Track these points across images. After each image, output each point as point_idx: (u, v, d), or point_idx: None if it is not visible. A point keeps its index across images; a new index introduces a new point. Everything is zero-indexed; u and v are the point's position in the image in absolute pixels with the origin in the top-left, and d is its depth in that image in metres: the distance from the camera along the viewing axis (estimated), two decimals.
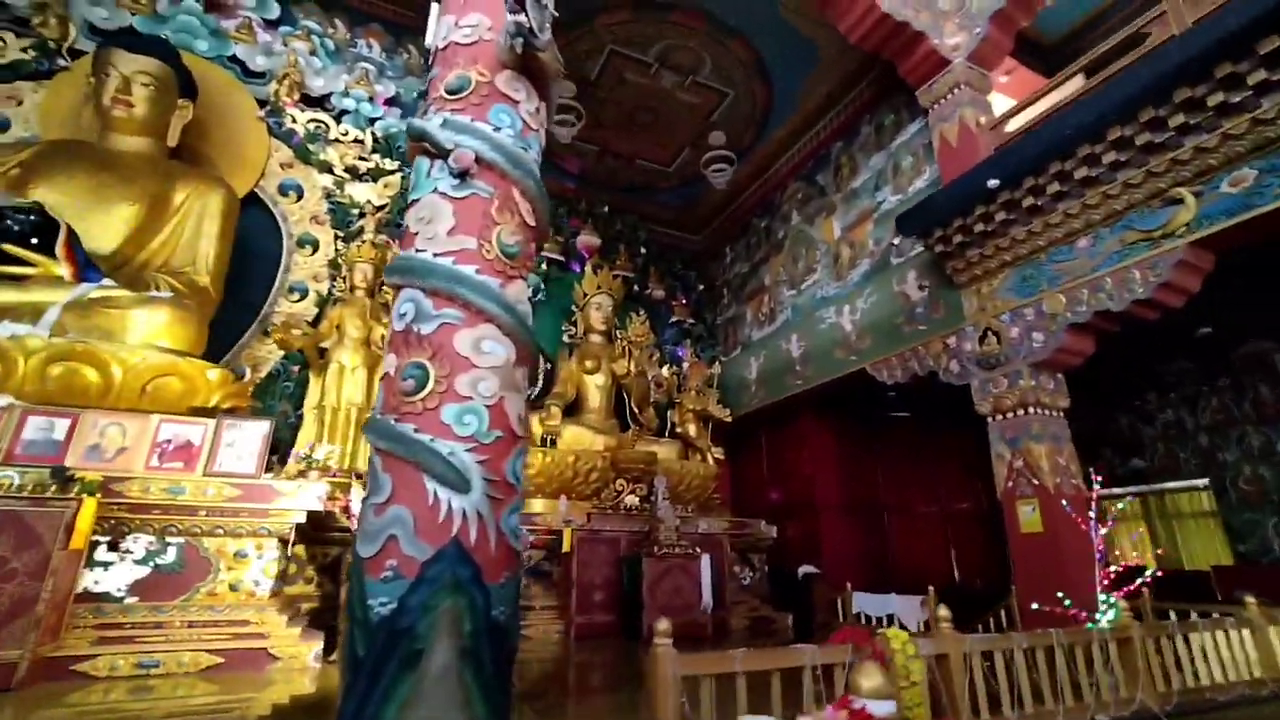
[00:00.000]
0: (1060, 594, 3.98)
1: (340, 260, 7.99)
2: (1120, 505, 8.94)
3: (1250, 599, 3.78)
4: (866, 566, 8.27)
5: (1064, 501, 4.73)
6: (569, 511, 6.58)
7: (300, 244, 8.14)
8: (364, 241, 8.00)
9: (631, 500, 6.83)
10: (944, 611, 2.69)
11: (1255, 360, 7.40)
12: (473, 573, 2.72)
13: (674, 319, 10.30)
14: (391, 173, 8.86)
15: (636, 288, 10.10)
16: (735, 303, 10.10)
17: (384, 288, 8.01)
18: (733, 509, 9.49)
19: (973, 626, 6.17)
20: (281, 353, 7.42)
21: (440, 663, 2.54)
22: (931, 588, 6.05)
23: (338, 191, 8.46)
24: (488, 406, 2.99)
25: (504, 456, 3.02)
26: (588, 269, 9.31)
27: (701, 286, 10.85)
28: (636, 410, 8.66)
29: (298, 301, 7.87)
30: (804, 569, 7.59)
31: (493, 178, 3.44)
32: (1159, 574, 8.18)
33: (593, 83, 7.85)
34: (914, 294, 6.40)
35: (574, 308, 9.24)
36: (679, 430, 8.73)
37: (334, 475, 6.31)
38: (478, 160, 3.42)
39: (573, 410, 8.51)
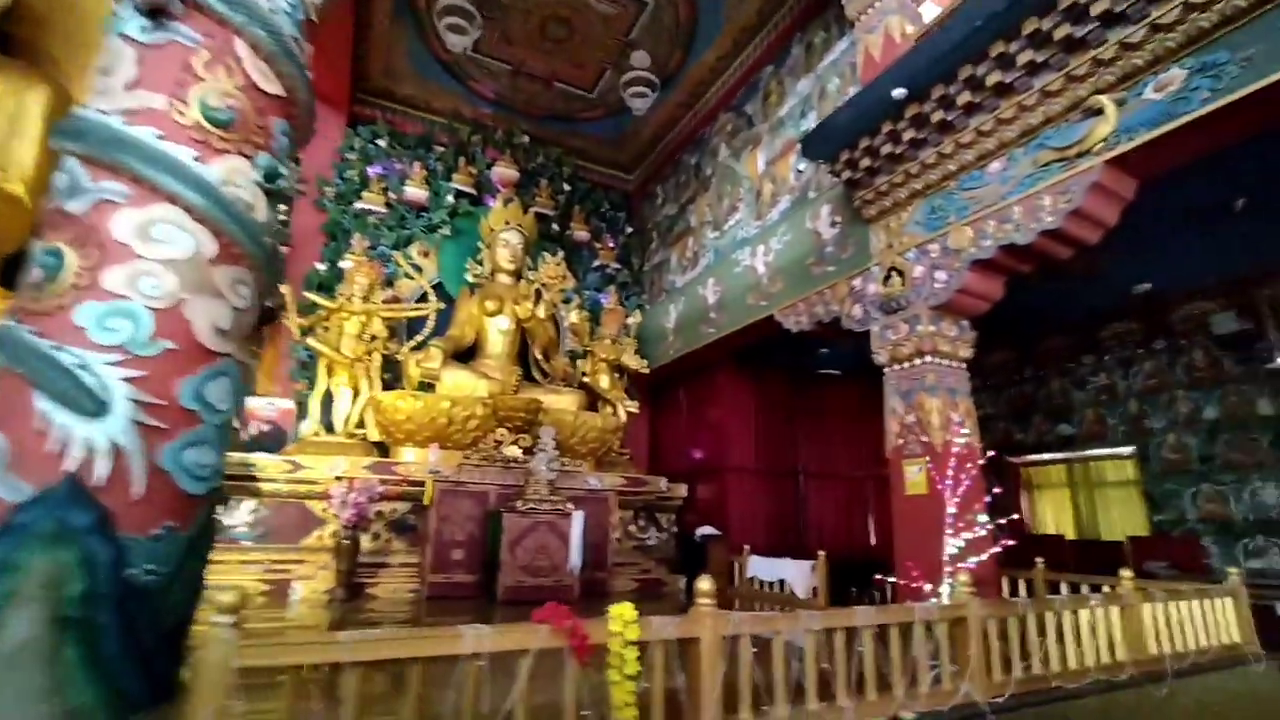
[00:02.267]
0: (910, 564, 3.46)
1: None
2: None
3: (1125, 572, 3.29)
4: (777, 531, 7.83)
5: (952, 461, 4.19)
6: (439, 462, 5.94)
7: None
8: None
9: (513, 452, 6.21)
10: (705, 584, 2.11)
11: (1194, 322, 6.92)
12: (94, 520, 2.05)
13: (598, 263, 9.54)
14: None
15: (557, 227, 9.30)
16: (662, 247, 9.36)
17: None
18: (652, 467, 8.97)
19: (853, 599, 5.75)
20: None
21: (14, 639, 1.89)
22: (822, 553, 5.57)
23: None
24: (152, 309, 2.27)
25: (176, 375, 2.31)
26: (497, 202, 8.47)
27: (631, 230, 10.07)
28: (540, 357, 7.98)
29: None
30: (701, 530, 7.10)
31: (205, 23, 2.64)
32: (1072, 543, 7.92)
33: None
34: (826, 232, 5.74)
35: (480, 245, 8.44)
36: (587, 380, 8.09)
37: None
38: None
39: (472, 355, 7.82)
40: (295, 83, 2.90)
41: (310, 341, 6.64)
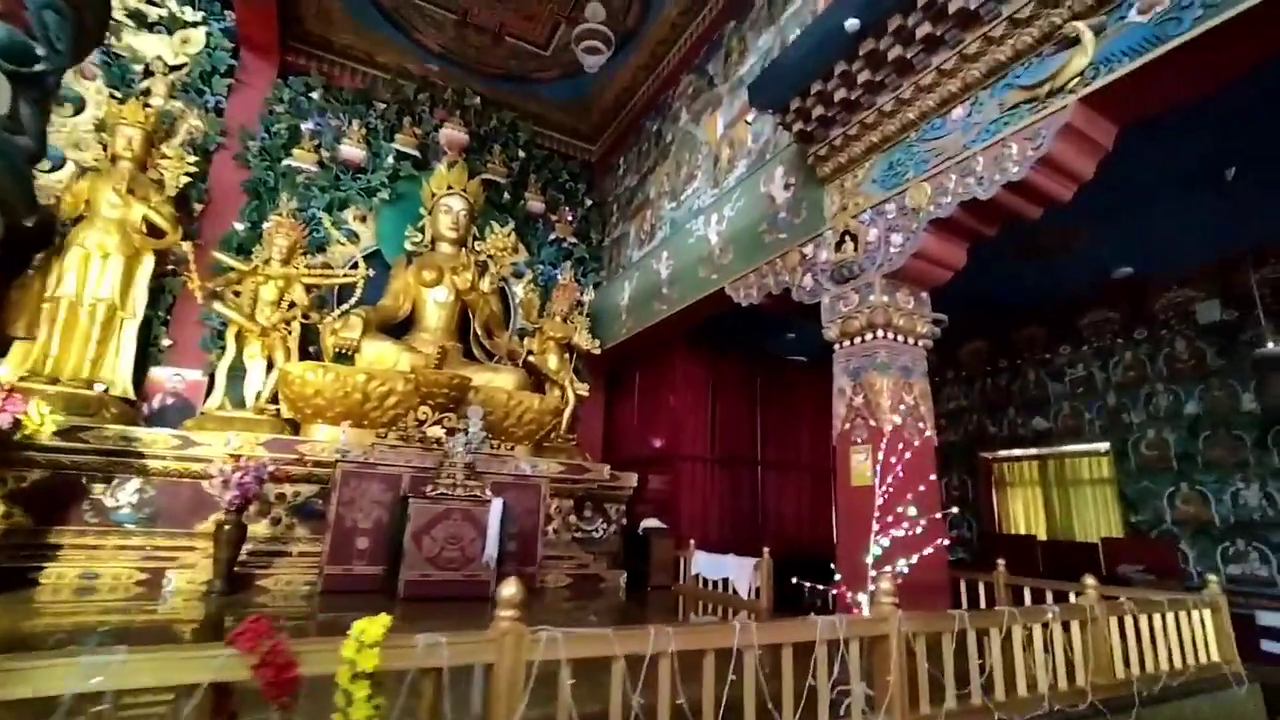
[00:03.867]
0: (832, 566, 2.95)
1: (105, 123, 6.37)
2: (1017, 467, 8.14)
3: (1089, 580, 2.79)
4: (732, 524, 7.33)
5: (900, 448, 3.68)
6: (351, 441, 5.37)
7: (59, 101, 6.45)
8: (135, 101, 6.39)
9: (436, 432, 5.64)
10: (508, 591, 1.58)
11: (1177, 310, 6.46)
12: None
13: (554, 237, 8.94)
14: (191, 25, 7.17)
15: (509, 196, 8.68)
16: (622, 221, 8.78)
17: (159, 162, 6.48)
18: (605, 454, 8.44)
19: (804, 602, 5.26)
20: None
21: None
22: (767, 550, 5.07)
23: (115, 41, 6.75)
24: None
25: None
26: (440, 166, 7.85)
27: (591, 203, 9.47)
28: (480, 331, 7.39)
29: (50, 171, 6.26)
30: (645, 523, 6.59)
31: None
32: (1043, 542, 7.49)
33: None
34: (779, 195, 5.19)
35: (422, 211, 7.82)
36: (533, 359, 7.52)
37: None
38: None
39: (406, 328, 7.22)
40: None
41: (217, 306, 6.02)
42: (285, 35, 7.67)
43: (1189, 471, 6.19)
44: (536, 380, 7.57)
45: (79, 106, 6.51)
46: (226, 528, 4.53)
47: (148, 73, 6.89)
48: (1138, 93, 2.96)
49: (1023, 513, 8.02)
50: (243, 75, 7.54)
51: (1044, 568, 6.73)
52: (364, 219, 7.72)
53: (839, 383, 4.19)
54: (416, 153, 8.09)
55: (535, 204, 8.91)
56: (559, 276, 8.60)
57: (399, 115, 8.16)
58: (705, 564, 5.72)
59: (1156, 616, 3.07)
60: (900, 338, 4.03)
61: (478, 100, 8.67)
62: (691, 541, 5.92)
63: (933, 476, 3.78)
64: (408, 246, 7.68)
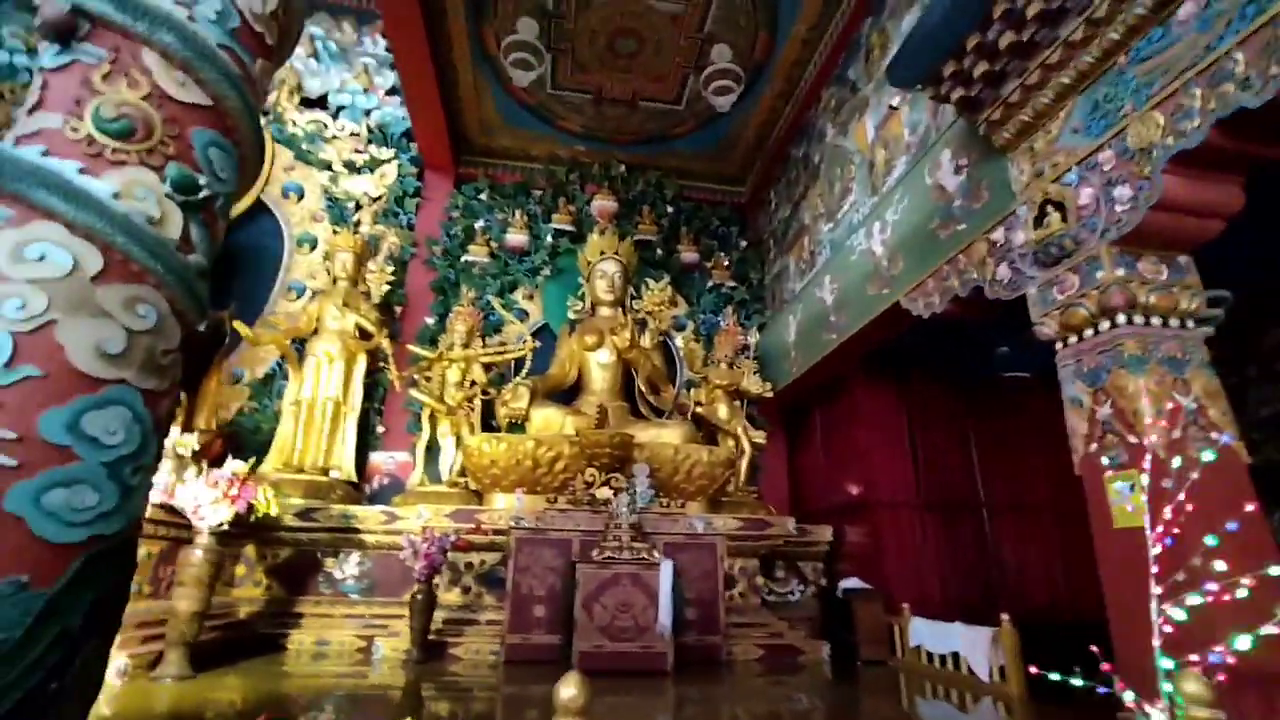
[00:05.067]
0: (1097, 650, 2.02)
1: (328, 252, 7.69)
2: None
3: None
4: (956, 583, 6.07)
5: (1192, 474, 2.62)
6: (523, 509, 5.46)
7: (299, 243, 7.99)
8: (347, 230, 7.64)
9: (605, 494, 5.52)
10: (567, 694, 1.15)
11: None
12: None
13: (712, 284, 8.73)
14: (386, 162, 8.50)
15: (661, 252, 8.72)
16: (780, 255, 8.29)
17: (367, 277, 7.59)
18: (793, 506, 7.70)
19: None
20: (279, 354, 7.19)
21: None
22: (1006, 617, 4.01)
23: (334, 187, 8.24)
24: (14, 332, 2.02)
25: (39, 404, 2.02)
26: (592, 235, 8.16)
27: (745, 243, 9.15)
28: (644, 388, 7.29)
29: (295, 300, 7.69)
30: (845, 584, 5.69)
31: (111, 37, 2.48)
32: None
33: (552, 12, 6.75)
34: (950, 182, 4.38)
35: (580, 280, 8.15)
36: (699, 410, 7.19)
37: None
38: (81, 13, 2.48)
39: (575, 395, 7.40)
40: (222, 90, 2.65)
41: (413, 392, 6.71)
42: (457, 151, 8.75)
43: None
44: (708, 433, 7.22)
45: (314, 245, 7.97)
46: (419, 596, 4.76)
47: (357, 207, 8.26)
48: None
49: None
50: (427, 192, 8.70)
51: None
52: (531, 297, 8.24)
53: (1069, 391, 3.21)
54: (572, 228, 8.56)
55: (689, 255, 8.83)
56: (721, 323, 8.31)
57: (554, 198, 8.76)
58: (927, 634, 4.73)
59: None
60: (1155, 321, 2.98)
61: (623, 168, 8.99)
62: (905, 606, 4.96)
63: (1250, 506, 2.62)
64: (571, 315, 8.00)
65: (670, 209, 9.04)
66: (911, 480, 6.34)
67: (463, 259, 8.22)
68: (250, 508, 4.98)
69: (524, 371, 6.97)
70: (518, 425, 6.47)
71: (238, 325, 6.35)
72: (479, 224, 8.48)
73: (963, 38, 3.46)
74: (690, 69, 7.50)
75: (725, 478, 6.30)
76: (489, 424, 6.87)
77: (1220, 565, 1.72)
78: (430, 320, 7.76)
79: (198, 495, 4.14)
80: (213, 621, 4.53)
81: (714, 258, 8.90)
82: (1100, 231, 3.07)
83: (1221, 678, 1.58)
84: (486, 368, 7.16)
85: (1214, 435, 2.80)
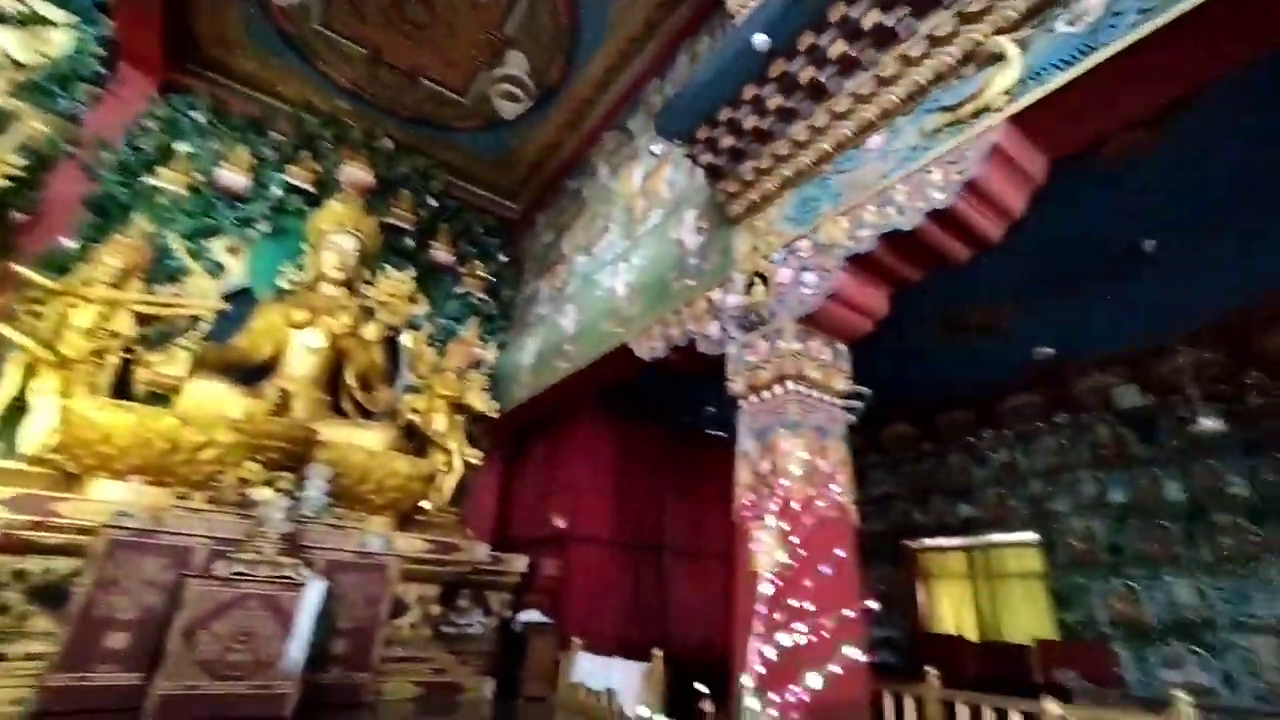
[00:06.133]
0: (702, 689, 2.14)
1: None
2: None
3: (1052, 708, 2.09)
4: (635, 620, 6.32)
5: (811, 523, 2.98)
6: (137, 502, 4.18)
7: None
8: None
9: (265, 495, 4.51)
10: None
11: (1097, 395, 6.29)
12: None
13: (461, 290, 8.22)
14: (53, 25, 6.36)
15: (413, 244, 7.97)
16: (535, 278, 8.19)
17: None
18: (498, 534, 7.35)
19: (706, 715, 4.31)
20: None
21: None
22: (658, 652, 4.15)
23: None
24: None
25: None
26: (332, 200, 7.10)
27: (506, 259, 8.88)
28: (353, 383, 6.39)
29: None
30: (523, 616, 5.52)
31: None
32: (977, 645, 6.84)
33: None
34: (690, 239, 4.72)
35: (306, 247, 6.98)
36: (414, 419, 6.54)
37: None
38: None
39: (262, 377, 6.14)
40: None
41: (2, 328, 4.85)
42: (176, 53, 6.97)
43: (1119, 565, 5.77)
44: (419, 444, 6.57)
45: None
46: None
47: None
48: (1070, 113, 2.63)
49: (951, 610, 7.37)
50: (115, 87, 6.72)
51: (977, 672, 6.04)
52: (235, 251, 6.77)
53: (742, 445, 3.52)
54: (310, 188, 7.34)
55: (443, 255, 8.22)
56: (461, 332, 7.82)
57: (296, 148, 7.47)
58: (588, 668, 4.71)
59: None
60: (814, 392, 3.44)
61: (389, 143, 8.12)
62: (574, 640, 4.91)
63: (850, 558, 3.08)
64: (284, 284, 6.75)
65: (435, 203, 8.38)
66: (609, 518, 6.52)
67: (147, 181, 6.44)
68: None
69: (196, 336, 5.56)
70: (162, 398, 5.07)
71: None
72: (183, 147, 6.79)
73: (717, 108, 3.76)
74: (483, 64, 7.15)
75: (423, 494, 5.72)
76: (123, 391, 5.26)
77: (810, 607, 1.85)
78: (70, 243, 5.83)
79: None
80: None
81: (470, 264, 8.43)
82: (789, 308, 3.48)
83: (803, 702, 1.67)
84: (143, 320, 5.57)
85: (838, 496, 3.27)
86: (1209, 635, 5.17)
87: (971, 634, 6.96)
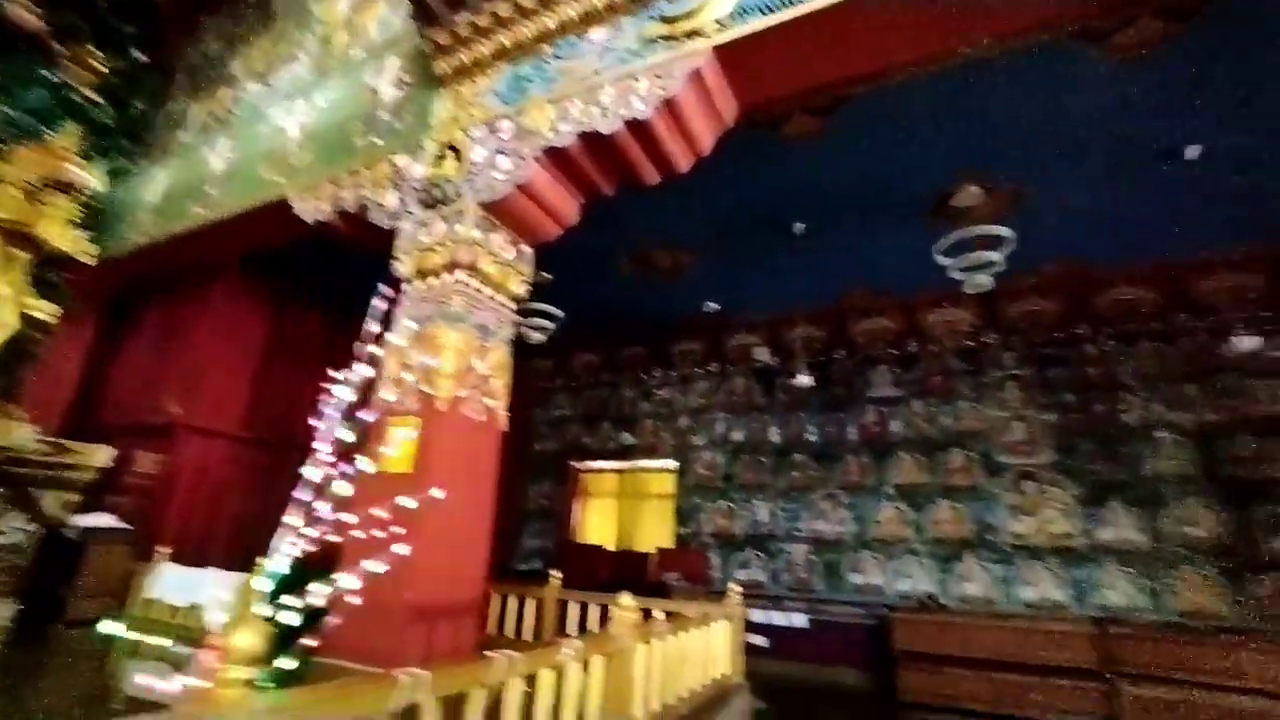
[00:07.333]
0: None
1: None
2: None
3: (626, 599, 2.28)
4: (260, 528, 5.45)
5: (456, 428, 2.77)
6: None
7: None
8: None
9: None
10: None
11: (742, 351, 7.43)
12: None
13: (58, 79, 5.79)
14: None
15: None
16: (186, 95, 6.22)
17: None
18: (82, 418, 5.58)
19: None
20: None
21: None
22: (262, 561, 3.55)
23: None
24: None
25: None
26: None
27: (145, 59, 6.55)
28: None
29: None
30: (83, 521, 4.33)
31: None
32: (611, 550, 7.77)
33: None
34: (387, 91, 3.95)
35: None
36: None
37: None
38: None
39: None
40: None
41: None
42: None
43: (728, 490, 7.01)
44: None
45: None
46: None
47: None
48: (767, 62, 2.75)
49: (599, 524, 8.19)
50: None
51: (609, 576, 6.80)
52: None
53: (395, 334, 3.09)
54: None
55: (27, 17, 5.64)
56: (46, 137, 5.53)
57: None
58: (173, 583, 3.88)
59: (685, 634, 2.77)
60: (487, 290, 3.18)
61: None
62: (159, 550, 3.99)
63: (488, 466, 2.97)
64: None
65: None
66: (241, 409, 5.46)
67: None
68: None
69: None
70: None
71: None
72: None
73: None
74: None
75: None
76: None
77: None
78: None
79: None
80: None
81: (79, 49, 5.98)
82: (478, 190, 3.11)
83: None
84: None
85: (491, 404, 3.11)
86: (770, 545, 6.66)
87: (611, 544, 7.84)
